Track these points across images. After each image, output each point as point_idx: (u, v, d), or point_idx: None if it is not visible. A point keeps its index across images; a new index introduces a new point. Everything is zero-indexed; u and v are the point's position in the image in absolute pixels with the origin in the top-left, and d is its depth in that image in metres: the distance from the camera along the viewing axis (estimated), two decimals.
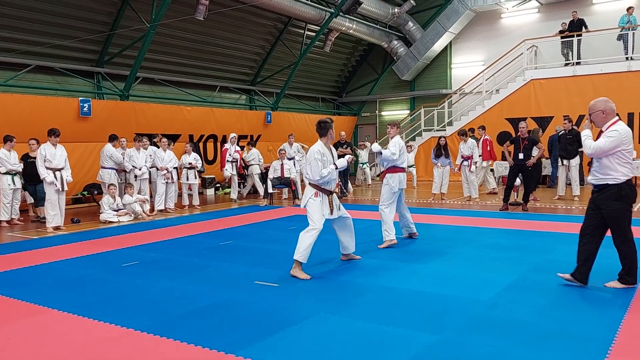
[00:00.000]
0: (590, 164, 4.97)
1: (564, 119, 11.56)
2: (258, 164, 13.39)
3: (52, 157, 8.87)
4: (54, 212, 8.90)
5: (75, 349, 3.61)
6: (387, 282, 5.09)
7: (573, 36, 15.93)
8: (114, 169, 10.64)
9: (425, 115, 19.52)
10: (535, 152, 9.99)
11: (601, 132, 4.65)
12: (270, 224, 9.11)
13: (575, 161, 11.25)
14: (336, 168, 5.61)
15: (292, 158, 13.63)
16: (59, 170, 8.93)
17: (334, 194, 5.67)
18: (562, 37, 16.33)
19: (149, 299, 4.72)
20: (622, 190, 4.50)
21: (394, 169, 6.95)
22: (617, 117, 4.63)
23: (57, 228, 8.92)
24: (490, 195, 13.07)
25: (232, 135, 13.32)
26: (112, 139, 10.76)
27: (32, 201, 10.46)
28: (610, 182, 4.52)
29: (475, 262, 5.90)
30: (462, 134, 12.17)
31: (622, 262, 4.71)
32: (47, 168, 8.80)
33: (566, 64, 16.16)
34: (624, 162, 4.50)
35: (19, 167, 9.80)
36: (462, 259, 6.08)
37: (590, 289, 4.72)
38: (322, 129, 5.65)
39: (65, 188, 9.08)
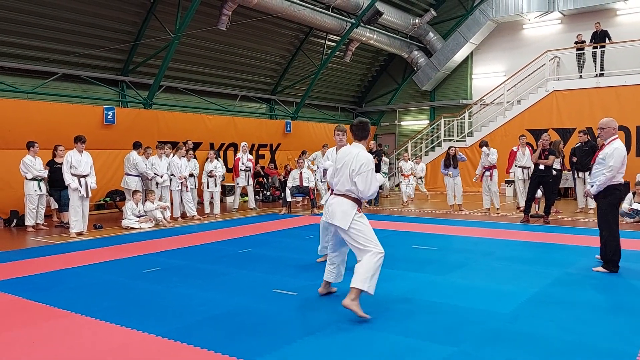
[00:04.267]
0: None
1: (579, 132, 11.48)
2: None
3: (78, 163, 9.03)
4: (76, 218, 9.05)
5: (96, 353, 3.67)
6: (404, 293, 5.07)
7: (596, 47, 15.76)
8: (139, 176, 10.80)
9: (445, 125, 19.44)
10: (555, 164, 9.92)
11: (604, 145, 5.96)
12: (288, 233, 9.15)
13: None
14: None
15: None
16: (84, 176, 9.11)
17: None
18: (578, 49, 16.17)
19: (168, 305, 4.78)
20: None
21: None
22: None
23: (79, 233, 9.08)
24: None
25: (244, 144, 13.26)
26: (137, 146, 10.91)
27: (57, 206, 10.67)
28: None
29: (494, 274, 5.84)
30: (484, 144, 12.02)
31: None
32: (73, 174, 8.98)
33: (580, 76, 16.02)
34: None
35: (45, 172, 10.01)
36: (481, 270, 6.03)
37: (612, 302, 4.65)
38: (364, 131, 4.60)
39: (90, 194, 9.26)
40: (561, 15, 17.50)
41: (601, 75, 15.66)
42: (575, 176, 11.58)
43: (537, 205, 10.98)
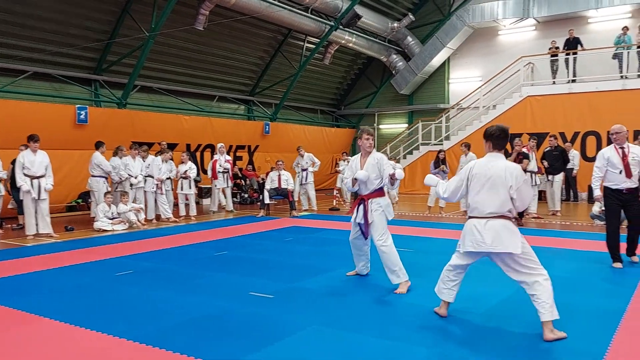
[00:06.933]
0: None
1: (550, 137, 11.74)
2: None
3: (31, 164, 8.66)
4: (30, 220, 8.73)
5: (68, 358, 3.56)
6: (383, 295, 5.07)
7: (569, 54, 16.10)
8: (102, 177, 10.51)
9: (423, 129, 19.58)
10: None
11: (622, 147, 6.15)
12: (266, 235, 9.08)
13: (559, 177, 11.44)
14: None
15: (306, 169, 13.23)
16: (38, 177, 8.73)
17: None
18: (552, 55, 16.50)
19: (142, 309, 4.68)
20: None
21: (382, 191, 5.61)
22: None
23: (37, 235, 8.74)
24: None
25: (220, 145, 13.01)
26: (98, 145, 10.52)
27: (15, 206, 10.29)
28: None
29: (471, 276, 5.83)
30: (466, 146, 12.04)
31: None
32: (26, 175, 8.62)
33: (553, 82, 16.35)
34: None
35: (4, 174, 9.73)
36: None
37: (584, 305, 4.71)
38: (506, 139, 4.12)
39: (43, 197, 8.81)
40: (535, 22, 17.84)
41: (573, 81, 16.01)
42: (546, 179, 11.76)
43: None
